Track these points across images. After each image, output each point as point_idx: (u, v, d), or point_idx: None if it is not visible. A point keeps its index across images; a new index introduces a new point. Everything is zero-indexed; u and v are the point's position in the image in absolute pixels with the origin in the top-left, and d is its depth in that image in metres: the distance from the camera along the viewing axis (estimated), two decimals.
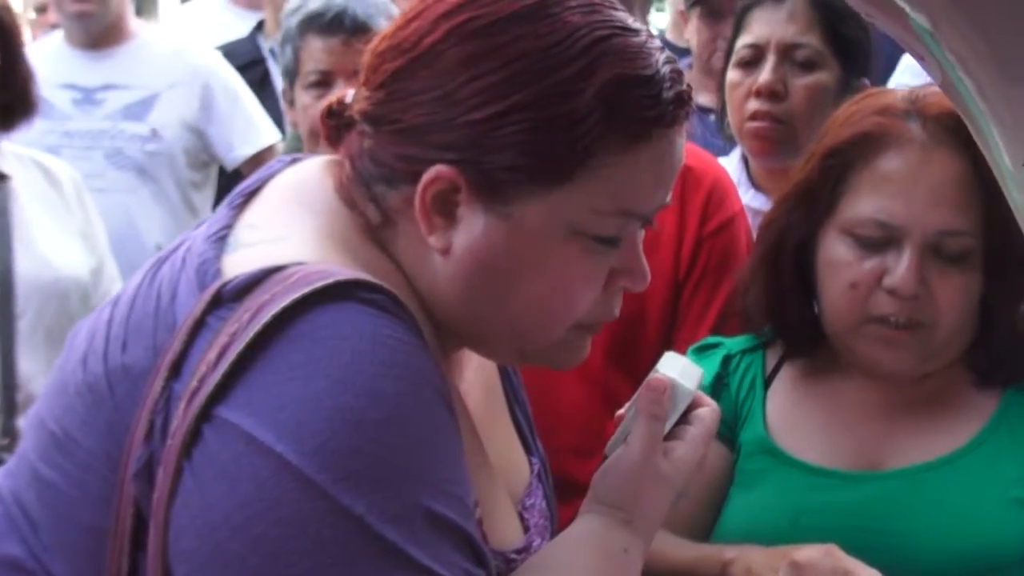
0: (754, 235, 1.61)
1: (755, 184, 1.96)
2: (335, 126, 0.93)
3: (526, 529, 0.99)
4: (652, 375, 0.98)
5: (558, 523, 1.06)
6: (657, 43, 0.89)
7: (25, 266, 2.01)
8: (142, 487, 0.79)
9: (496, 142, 0.83)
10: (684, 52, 3.74)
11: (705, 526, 1.40)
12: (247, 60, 3.28)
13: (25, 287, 1.99)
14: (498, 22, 0.84)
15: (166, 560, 0.78)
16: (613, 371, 1.59)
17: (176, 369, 0.79)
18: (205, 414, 0.76)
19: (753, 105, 1.85)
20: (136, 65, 2.86)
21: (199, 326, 0.80)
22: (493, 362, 1.06)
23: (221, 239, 0.87)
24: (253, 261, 0.82)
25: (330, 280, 0.78)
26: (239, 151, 2.88)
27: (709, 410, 1.01)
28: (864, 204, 1.32)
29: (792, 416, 1.41)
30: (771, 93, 1.83)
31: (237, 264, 0.83)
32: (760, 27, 1.87)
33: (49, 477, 0.85)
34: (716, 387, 1.44)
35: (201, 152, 2.87)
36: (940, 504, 1.28)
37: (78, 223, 2.17)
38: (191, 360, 0.79)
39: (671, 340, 1.61)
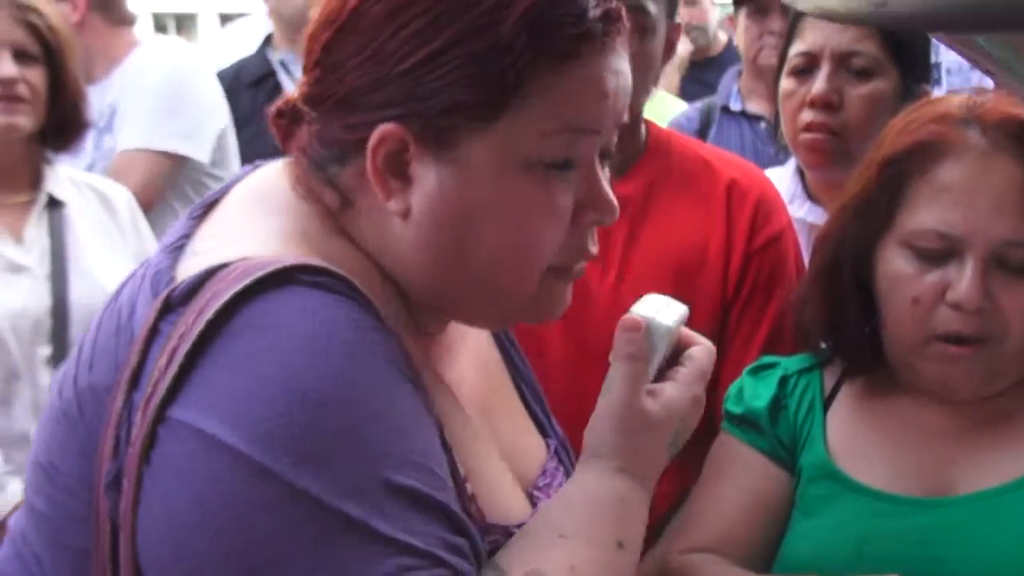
0: (810, 249, 1.57)
1: (811, 196, 1.91)
2: (286, 125, 0.93)
3: (534, 506, 0.97)
4: (625, 316, 0.95)
5: None
6: None
7: (80, 294, 2.02)
8: (113, 501, 0.79)
9: (430, 87, 0.83)
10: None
11: (767, 553, 1.35)
12: (258, 75, 3.30)
13: (80, 315, 2.00)
14: None
15: (138, 569, 0.78)
16: None
17: (135, 380, 0.80)
18: (159, 417, 0.77)
19: (807, 116, 1.79)
20: (127, 84, 2.86)
21: (153, 334, 0.80)
22: (485, 334, 1.05)
23: (177, 249, 0.87)
24: (202, 265, 0.82)
25: (270, 268, 0.79)
26: None
27: (701, 348, 0.98)
28: (923, 215, 1.27)
29: (854, 439, 1.36)
30: (826, 103, 1.77)
31: (188, 270, 0.83)
32: (814, 34, 1.80)
33: (40, 509, 0.86)
34: (774, 409, 1.40)
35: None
36: (1012, 531, 1.22)
37: (132, 248, 2.18)
38: (148, 368, 0.79)
39: (721, 360, 1.57)
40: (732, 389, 1.44)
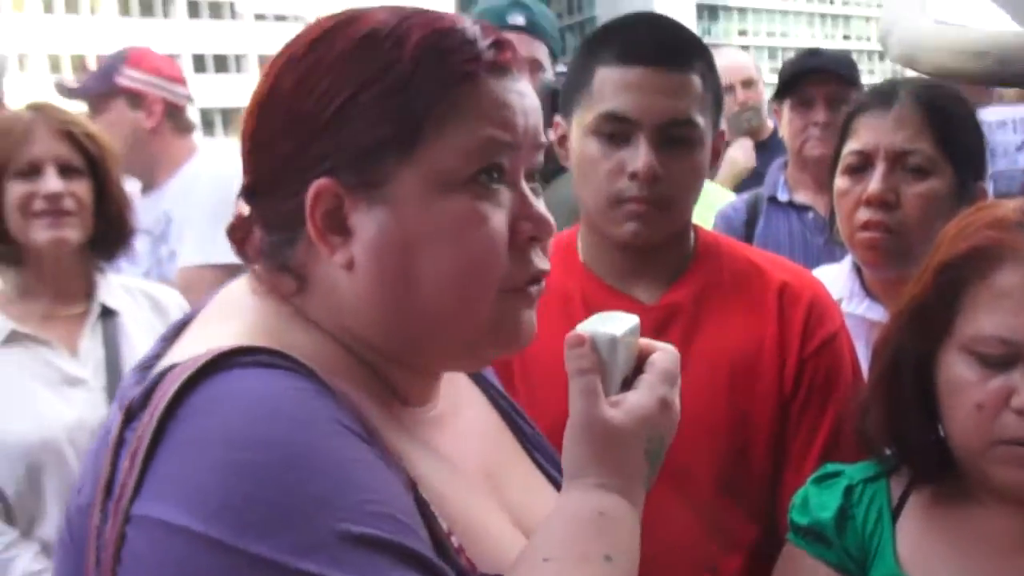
0: (870, 348, 1.55)
1: (869, 293, 1.89)
2: (241, 238, 0.97)
3: None
4: (569, 334, 0.94)
5: None
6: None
7: None
8: None
9: (349, 133, 0.88)
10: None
11: None
12: None
13: None
14: (312, 42, 0.92)
15: None
16: (722, 501, 1.53)
17: (108, 490, 0.83)
18: (127, 517, 0.79)
19: (864, 214, 1.78)
20: (181, 192, 2.94)
21: (119, 444, 0.83)
22: (485, 407, 1.07)
23: (147, 368, 0.90)
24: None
25: (208, 356, 0.82)
26: None
27: (661, 352, 0.98)
28: (984, 321, 1.26)
29: (926, 550, 1.32)
30: (882, 202, 1.76)
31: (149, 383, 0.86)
32: (868, 133, 1.80)
33: None
34: (840, 520, 1.36)
35: None
36: None
37: None
38: (118, 477, 0.82)
39: (782, 464, 1.55)
40: (797, 499, 1.41)
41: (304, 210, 0.89)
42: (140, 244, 2.92)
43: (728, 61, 3.69)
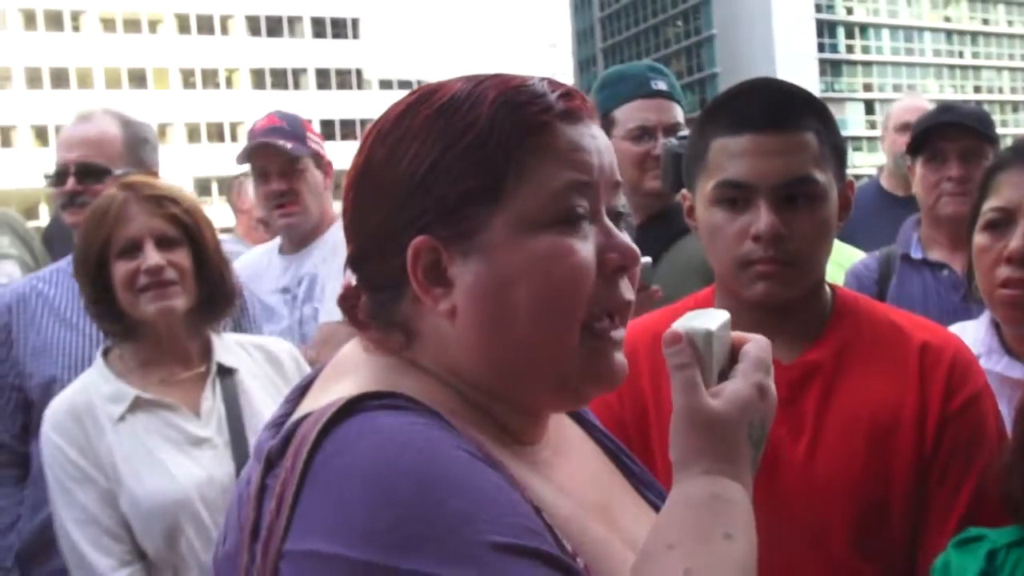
0: (1011, 406, 1.52)
1: (1009, 351, 1.86)
2: (351, 306, 1.04)
3: None
4: (666, 332, 0.99)
5: None
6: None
7: None
8: None
9: (438, 191, 0.96)
10: (900, 201, 3.63)
11: None
12: None
13: None
14: (399, 116, 1.00)
15: None
16: (858, 559, 1.52)
17: (254, 534, 0.90)
18: (279, 555, 0.86)
19: (1005, 272, 1.78)
20: (322, 255, 3.06)
21: (262, 491, 0.91)
22: (591, 448, 1.12)
23: (278, 426, 0.97)
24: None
25: (340, 403, 0.90)
26: None
27: (753, 342, 1.03)
28: None
29: None
30: None
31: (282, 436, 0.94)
32: (1010, 191, 1.80)
33: None
34: None
35: None
36: None
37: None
38: (263, 521, 0.89)
39: (923, 526, 1.53)
40: (938, 563, 1.40)
41: (406, 268, 0.97)
42: (277, 302, 3.07)
43: (907, 102, 3.77)
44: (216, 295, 2.23)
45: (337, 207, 3.31)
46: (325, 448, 0.88)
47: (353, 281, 1.03)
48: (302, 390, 1.04)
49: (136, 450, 2.07)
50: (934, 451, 1.54)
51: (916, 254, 2.84)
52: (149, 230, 2.14)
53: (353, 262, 1.03)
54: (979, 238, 1.84)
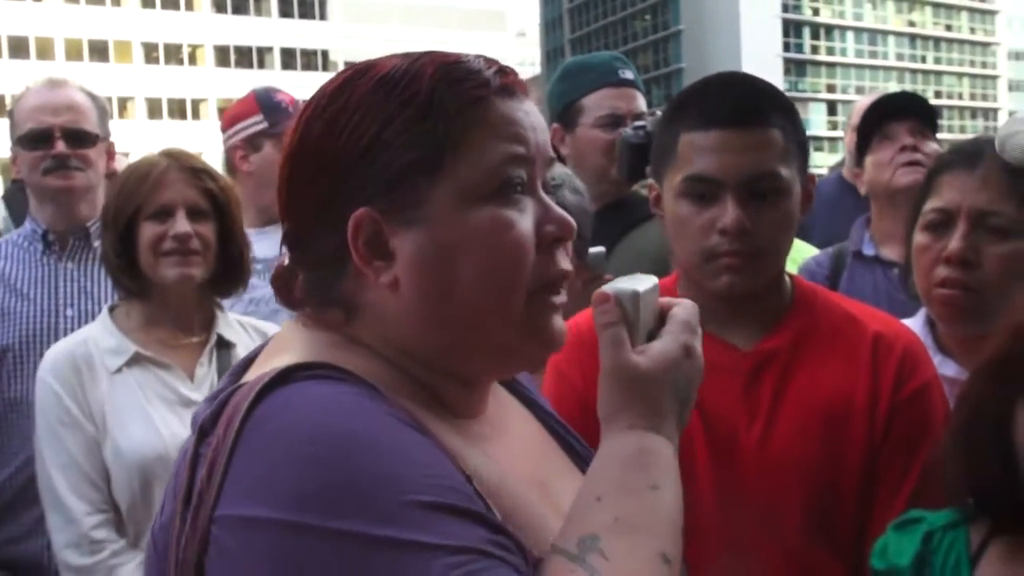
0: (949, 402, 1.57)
1: (942, 349, 1.90)
2: (284, 285, 1.06)
3: None
4: (595, 292, 1.03)
5: None
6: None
7: None
8: None
9: (378, 165, 0.97)
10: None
11: None
12: None
13: None
14: (334, 91, 1.01)
15: None
16: (811, 544, 1.57)
17: (187, 500, 0.92)
18: (211, 520, 0.88)
19: (943, 272, 1.80)
20: None
21: (195, 459, 0.93)
22: (533, 425, 1.14)
23: (215, 399, 0.98)
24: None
25: (272, 373, 0.92)
26: None
27: (680, 305, 1.07)
28: None
29: None
30: (962, 261, 1.78)
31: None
32: (951, 193, 1.82)
33: None
34: (919, 566, 1.39)
35: None
36: None
37: None
38: (195, 487, 0.91)
39: (868, 510, 1.58)
40: (878, 545, 1.45)
41: (346, 243, 0.97)
42: (256, 274, 3.07)
43: (869, 101, 3.82)
44: (231, 272, 2.30)
45: None
46: (256, 416, 0.90)
47: (287, 260, 1.05)
48: (244, 365, 1.06)
49: (127, 402, 2.13)
50: (883, 438, 1.59)
51: (868, 251, 2.87)
52: (183, 199, 2.21)
53: (290, 240, 1.04)
54: (919, 237, 1.87)
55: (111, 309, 2.29)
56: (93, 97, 2.77)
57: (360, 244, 0.98)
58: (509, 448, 1.07)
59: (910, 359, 1.63)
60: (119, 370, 2.16)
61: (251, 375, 1.00)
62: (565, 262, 1.03)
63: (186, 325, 2.28)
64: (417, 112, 0.97)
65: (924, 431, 1.59)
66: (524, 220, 0.99)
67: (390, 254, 0.98)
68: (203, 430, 0.94)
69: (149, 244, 2.19)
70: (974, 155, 1.82)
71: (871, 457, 1.59)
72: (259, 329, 2.39)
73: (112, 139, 2.83)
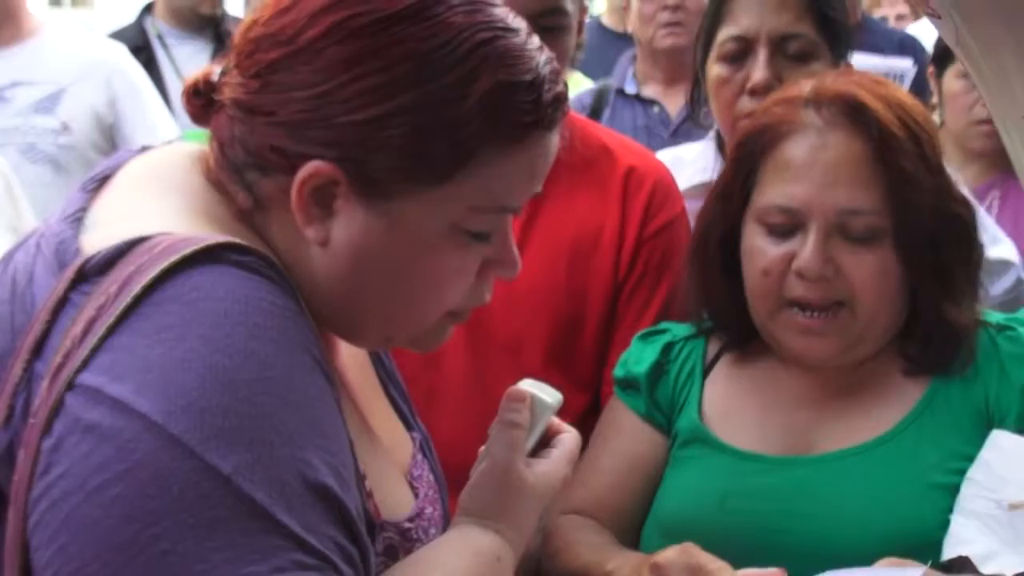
0: None
1: None
2: (201, 104, 0.92)
3: (416, 497, 1.02)
4: (513, 387, 1.02)
5: (447, 493, 1.09)
6: (536, 42, 0.91)
7: None
8: (4, 473, 0.78)
9: (377, 143, 0.85)
10: (622, 37, 3.73)
11: (641, 511, 1.43)
12: (132, 46, 3.21)
13: None
14: (380, 20, 0.85)
15: (24, 544, 0.76)
16: (552, 372, 1.59)
17: (38, 349, 0.79)
18: (69, 385, 0.75)
19: (748, 104, 1.70)
20: (41, 60, 2.85)
21: (61, 304, 0.79)
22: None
23: (77, 220, 0.87)
24: (114, 237, 0.82)
25: (199, 245, 0.79)
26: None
27: (570, 435, 1.04)
28: (769, 193, 1.36)
29: (726, 404, 1.44)
30: (767, 90, 1.66)
31: (97, 241, 0.83)
32: (747, 18, 1.72)
33: None
34: (655, 374, 1.46)
35: (109, 146, 2.86)
36: (862, 488, 1.32)
37: (7, 217, 2.15)
38: (53, 339, 0.78)
39: (609, 341, 1.62)
40: (622, 356, 1.51)
41: (293, 171, 0.85)
42: None
43: None
44: None
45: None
46: (165, 289, 0.76)
47: (227, 101, 0.89)
48: (100, 181, 0.91)
49: None
50: (628, 270, 1.63)
51: (630, 88, 2.92)
52: None
53: (239, 103, 0.88)
54: (717, 69, 1.76)
55: None
56: None
57: (306, 188, 0.86)
58: (343, 362, 1.03)
59: (659, 194, 1.66)
60: None
61: (125, 206, 0.87)
62: (488, 293, 0.97)
63: None
64: (447, 124, 0.84)
65: (667, 264, 1.63)
66: (475, 262, 0.92)
67: (331, 210, 0.87)
68: (83, 273, 0.80)
69: None
70: None
71: (615, 291, 1.62)
72: None
73: None
